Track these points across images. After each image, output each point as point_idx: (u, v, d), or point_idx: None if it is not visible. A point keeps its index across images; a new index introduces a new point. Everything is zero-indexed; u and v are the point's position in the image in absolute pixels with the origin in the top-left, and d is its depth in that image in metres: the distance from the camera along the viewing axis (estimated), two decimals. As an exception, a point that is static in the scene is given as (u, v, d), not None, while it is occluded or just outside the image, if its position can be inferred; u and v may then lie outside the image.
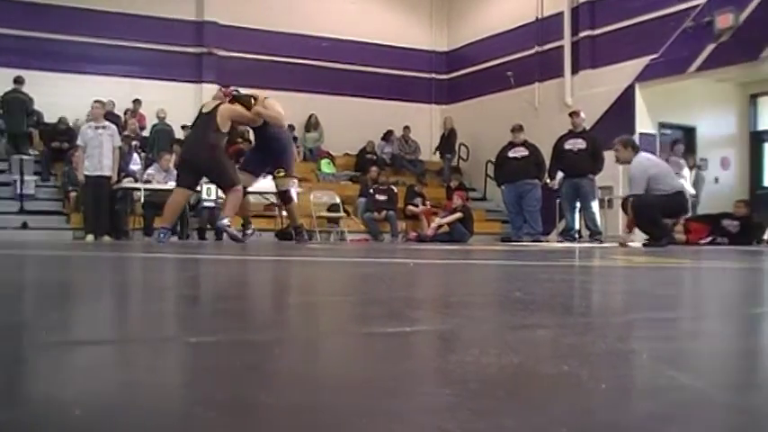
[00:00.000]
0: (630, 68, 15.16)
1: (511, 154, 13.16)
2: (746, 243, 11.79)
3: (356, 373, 0.95)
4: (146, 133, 16.26)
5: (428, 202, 16.17)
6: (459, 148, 19.50)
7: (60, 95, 16.10)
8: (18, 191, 14.54)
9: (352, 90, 19.44)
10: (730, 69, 14.11)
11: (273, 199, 12.35)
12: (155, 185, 12.85)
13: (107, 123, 12.10)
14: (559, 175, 12.46)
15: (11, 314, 1.68)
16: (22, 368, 1.01)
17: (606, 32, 16.31)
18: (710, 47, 13.82)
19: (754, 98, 16.69)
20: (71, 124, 15.66)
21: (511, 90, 18.39)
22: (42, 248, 7.05)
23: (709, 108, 16.07)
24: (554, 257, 5.45)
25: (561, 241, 12.65)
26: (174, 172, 13.57)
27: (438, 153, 19.44)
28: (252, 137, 11.07)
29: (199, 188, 13.01)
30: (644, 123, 14.95)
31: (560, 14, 17.21)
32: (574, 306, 2.02)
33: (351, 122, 18.85)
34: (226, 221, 9.24)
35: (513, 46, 18.46)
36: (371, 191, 15.56)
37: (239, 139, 13.77)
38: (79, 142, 11.88)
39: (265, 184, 10.79)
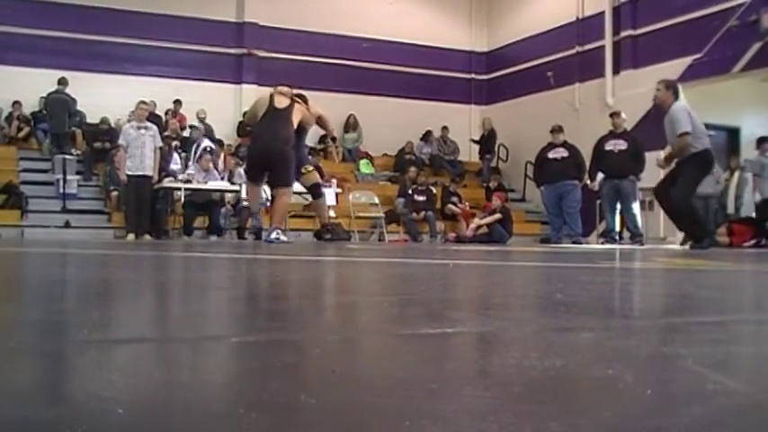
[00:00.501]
0: (673, 68, 14.91)
1: (551, 155, 13.08)
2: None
3: (397, 375, 0.95)
4: (185, 133, 16.42)
5: (466, 203, 16.14)
6: (499, 149, 19.43)
7: (103, 96, 16.34)
8: (61, 190, 14.78)
9: (391, 90, 19.45)
10: (776, 69, 13.87)
11: (311, 199, 12.34)
12: (195, 185, 12.96)
13: (149, 124, 12.21)
14: (600, 176, 12.32)
15: (54, 312, 1.70)
16: (65, 366, 1.02)
17: (648, 32, 16.13)
18: (756, 46, 13.58)
19: (800, 98, 16.37)
20: (113, 124, 15.86)
21: (551, 90, 18.30)
22: (84, 247, 7.16)
23: (753, 108, 15.79)
24: (595, 259, 5.40)
25: (601, 243, 12.52)
26: (215, 172, 13.75)
27: (475, 144, 19.40)
28: None
29: (238, 187, 13.14)
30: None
31: (601, 14, 17.08)
32: (616, 309, 2.00)
33: (390, 123, 18.86)
34: (274, 235, 8.97)
35: (553, 46, 18.35)
36: (410, 191, 15.57)
37: None
38: (121, 142, 11.98)
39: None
